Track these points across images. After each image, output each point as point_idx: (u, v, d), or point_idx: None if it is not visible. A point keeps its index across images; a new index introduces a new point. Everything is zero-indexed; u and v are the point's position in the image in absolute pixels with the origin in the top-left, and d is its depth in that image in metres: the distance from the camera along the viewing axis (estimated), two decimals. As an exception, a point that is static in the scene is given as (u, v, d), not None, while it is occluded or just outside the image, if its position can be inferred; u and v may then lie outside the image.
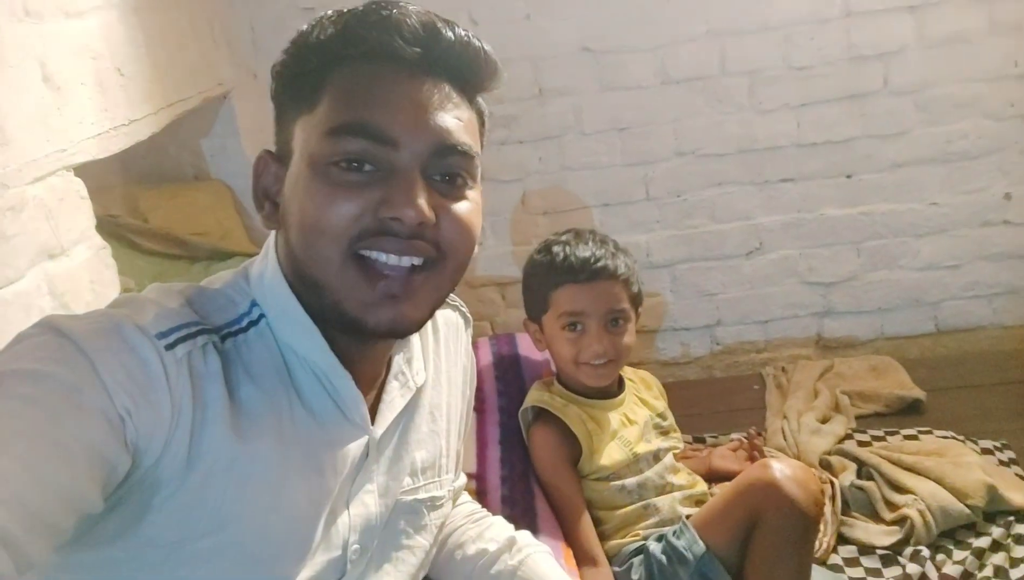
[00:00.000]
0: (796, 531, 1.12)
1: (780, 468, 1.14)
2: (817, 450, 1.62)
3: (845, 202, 2.08)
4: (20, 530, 0.47)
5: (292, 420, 0.68)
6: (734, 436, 1.75)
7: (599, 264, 1.29)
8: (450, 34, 0.65)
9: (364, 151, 0.63)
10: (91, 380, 0.54)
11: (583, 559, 1.24)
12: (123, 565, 0.62)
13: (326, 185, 0.63)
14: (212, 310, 0.67)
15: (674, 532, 1.23)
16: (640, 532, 1.30)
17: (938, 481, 1.44)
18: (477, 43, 0.67)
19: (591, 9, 1.92)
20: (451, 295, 0.87)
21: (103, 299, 1.21)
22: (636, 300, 1.37)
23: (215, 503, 0.62)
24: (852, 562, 1.38)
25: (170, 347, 0.60)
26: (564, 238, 1.35)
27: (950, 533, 1.40)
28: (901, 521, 1.41)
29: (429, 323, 0.85)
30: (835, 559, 1.39)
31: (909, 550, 1.37)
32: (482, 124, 0.72)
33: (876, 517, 1.46)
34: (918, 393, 1.85)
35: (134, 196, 1.71)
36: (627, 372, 1.48)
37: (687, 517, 1.26)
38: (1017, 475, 1.54)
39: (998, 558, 1.32)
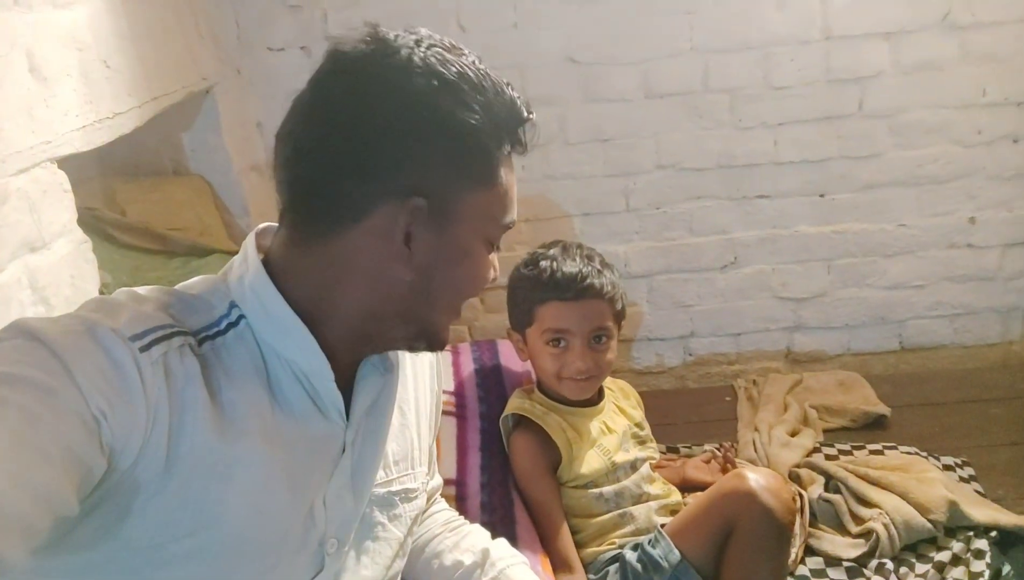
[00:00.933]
0: (771, 539, 1.15)
1: (755, 478, 1.17)
2: (787, 463, 1.66)
3: (818, 220, 2.13)
4: None
5: (273, 420, 0.68)
6: (707, 447, 1.78)
7: (586, 282, 1.30)
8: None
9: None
10: (65, 382, 0.54)
11: (559, 566, 1.25)
12: (101, 568, 0.62)
13: (486, 258, 0.75)
14: (188, 313, 0.67)
15: (649, 541, 1.25)
16: (616, 540, 1.32)
17: (902, 496, 1.49)
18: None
19: (578, 21, 1.94)
20: None
21: (83, 294, 1.19)
22: (619, 317, 1.38)
23: (196, 505, 0.62)
24: (819, 573, 1.42)
25: (145, 349, 0.60)
26: (551, 253, 1.35)
27: (913, 547, 1.44)
28: (867, 534, 1.45)
29: None
30: (803, 570, 1.43)
31: (874, 563, 1.40)
32: None
33: (843, 530, 1.50)
34: (883, 409, 1.90)
35: (111, 189, 1.68)
36: (607, 382, 1.50)
37: (662, 526, 1.29)
38: (976, 491, 1.59)
39: (958, 571, 1.37)
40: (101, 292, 1.27)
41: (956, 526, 1.46)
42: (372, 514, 0.81)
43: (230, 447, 0.64)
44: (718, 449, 1.68)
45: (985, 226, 2.12)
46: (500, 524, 1.19)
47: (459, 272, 0.72)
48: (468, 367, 1.45)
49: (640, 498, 1.37)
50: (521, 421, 1.37)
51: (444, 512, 1.04)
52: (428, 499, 0.99)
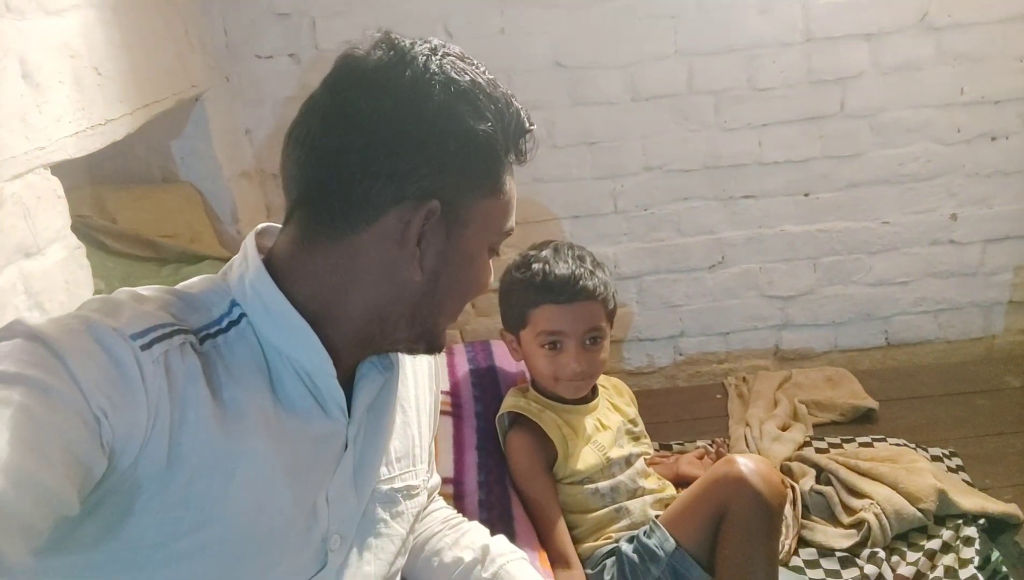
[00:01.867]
0: (763, 522, 1.16)
1: (745, 463, 1.18)
2: (778, 456, 1.68)
3: (803, 219, 2.16)
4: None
5: (275, 417, 0.69)
6: (699, 444, 1.80)
7: (579, 285, 1.30)
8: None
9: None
10: (65, 381, 0.54)
11: (557, 562, 1.26)
12: (104, 567, 0.62)
13: (487, 264, 0.77)
14: (189, 312, 0.68)
15: (645, 532, 1.26)
16: (612, 535, 1.33)
17: (892, 486, 1.51)
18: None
19: (564, 26, 1.96)
20: None
21: (77, 299, 1.20)
22: (612, 316, 1.40)
23: (198, 503, 0.62)
24: (812, 564, 1.44)
25: (146, 347, 0.60)
26: (543, 254, 1.35)
27: (903, 536, 1.47)
28: (858, 524, 1.47)
29: None
30: (796, 561, 1.44)
31: (866, 552, 1.43)
32: None
33: (835, 521, 1.52)
34: (871, 403, 1.93)
35: (102, 197, 1.68)
36: (600, 379, 1.51)
37: (656, 517, 1.30)
38: (964, 481, 1.62)
39: (948, 559, 1.39)
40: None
41: (945, 515, 1.49)
42: (375, 511, 0.81)
43: (232, 444, 0.64)
44: (710, 445, 1.70)
45: (966, 223, 2.16)
46: (498, 521, 1.20)
47: (464, 276, 0.75)
48: (463, 367, 1.46)
49: (635, 492, 1.38)
50: (517, 419, 1.38)
51: (443, 510, 1.04)
52: (428, 498, 1.00)
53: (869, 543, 1.44)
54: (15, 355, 0.54)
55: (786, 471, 1.65)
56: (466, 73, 0.70)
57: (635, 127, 2.05)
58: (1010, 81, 2.02)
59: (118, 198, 1.69)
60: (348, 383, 0.77)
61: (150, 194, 1.77)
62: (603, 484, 1.36)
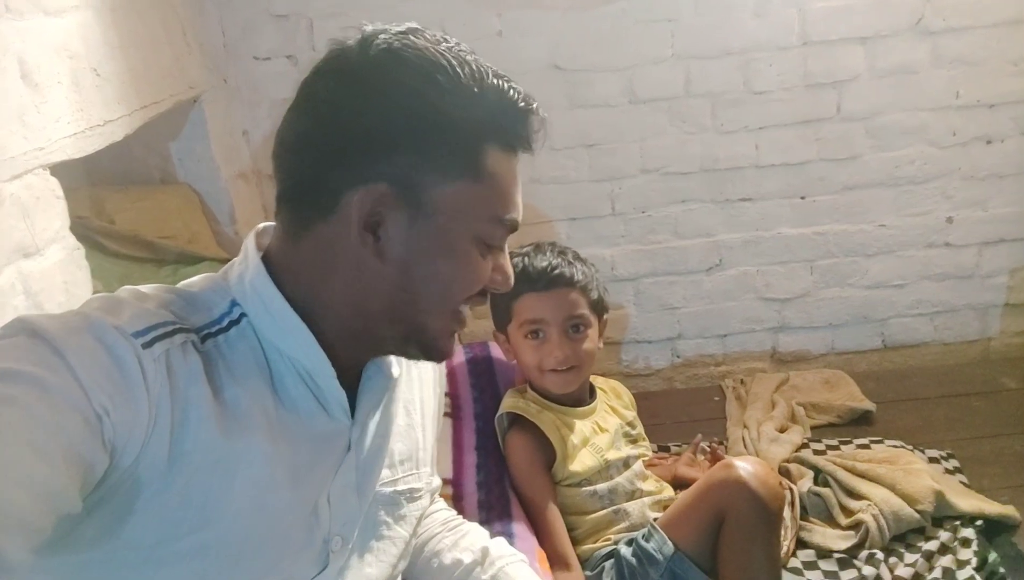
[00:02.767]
0: (763, 525, 1.16)
1: (743, 466, 1.18)
2: (776, 458, 1.69)
3: (800, 222, 2.17)
4: (1, 530, 0.47)
5: (276, 417, 0.69)
6: (698, 438, 1.80)
7: (555, 272, 1.33)
8: (540, 116, 0.74)
9: (503, 235, 0.73)
10: (67, 379, 0.54)
11: (556, 563, 1.26)
12: (103, 566, 0.61)
13: (472, 256, 0.71)
14: (190, 311, 0.67)
15: (643, 535, 1.26)
16: (611, 537, 1.33)
17: (890, 488, 1.51)
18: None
19: (561, 29, 1.97)
20: None
21: (76, 300, 1.19)
22: (597, 307, 1.40)
23: (199, 502, 0.62)
24: (811, 565, 1.44)
25: (147, 346, 0.60)
26: (524, 250, 1.39)
27: (901, 537, 1.47)
28: (856, 526, 1.47)
29: None
30: (794, 562, 1.45)
31: (864, 553, 1.43)
32: None
33: (833, 522, 1.52)
34: (868, 405, 1.94)
35: (100, 198, 1.68)
36: (598, 382, 1.52)
37: (654, 520, 1.30)
38: (962, 482, 1.62)
39: (946, 560, 1.39)
40: (93, 299, 1.27)
41: (943, 516, 1.49)
42: (377, 513, 0.81)
43: (233, 443, 0.64)
44: (708, 446, 1.69)
45: (962, 225, 2.17)
46: (497, 523, 1.20)
47: (442, 269, 0.69)
48: (462, 368, 1.46)
49: (633, 494, 1.38)
50: (516, 420, 1.38)
51: (443, 512, 1.04)
52: (430, 501, 0.99)
53: (867, 544, 1.44)
54: (17, 353, 0.54)
55: (784, 473, 1.66)
56: (430, 53, 0.66)
57: (632, 130, 2.06)
58: (1005, 85, 2.03)
59: (116, 199, 1.69)
60: (354, 384, 0.77)
61: (148, 195, 1.77)
62: (601, 486, 1.36)
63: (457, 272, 0.70)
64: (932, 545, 1.43)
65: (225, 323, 0.68)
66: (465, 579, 0.94)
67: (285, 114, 0.72)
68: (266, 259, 0.72)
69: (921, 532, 1.47)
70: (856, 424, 1.91)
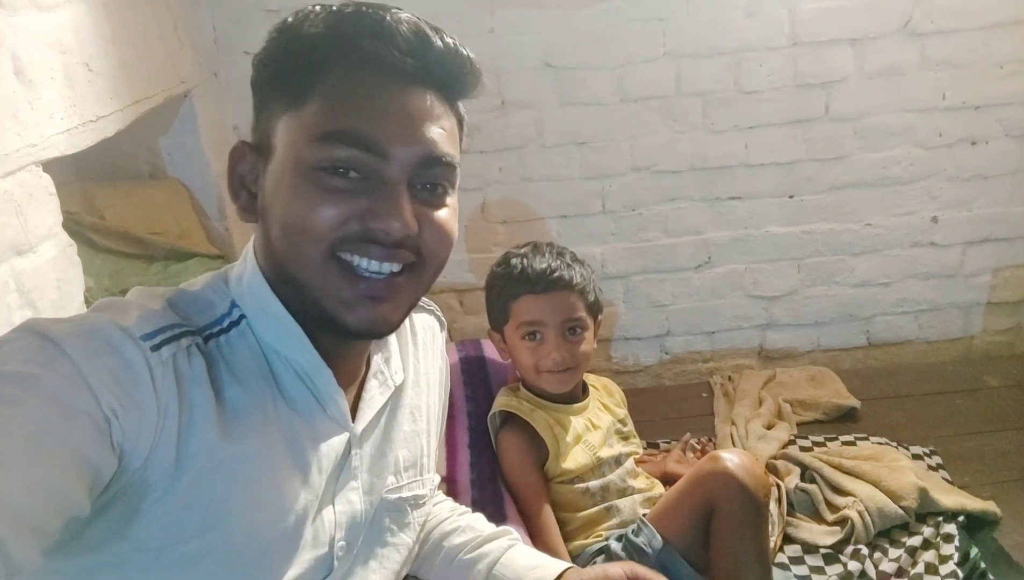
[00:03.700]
0: (751, 515, 1.18)
1: (729, 457, 1.20)
2: (764, 455, 1.71)
3: (788, 221, 2.19)
4: (7, 532, 0.47)
5: (277, 418, 0.69)
6: (687, 436, 1.82)
7: (554, 275, 1.33)
8: (440, 43, 0.65)
9: (354, 159, 0.63)
10: (76, 382, 0.54)
11: (548, 559, 1.27)
12: (111, 570, 0.62)
13: (313, 188, 0.63)
14: (193, 311, 0.68)
15: (633, 530, 1.28)
16: (602, 533, 1.34)
17: (875, 484, 1.54)
18: (464, 52, 0.68)
19: (554, 27, 1.97)
20: (426, 299, 0.90)
21: (69, 297, 1.19)
22: (593, 309, 1.41)
23: (204, 504, 0.62)
24: (797, 560, 1.46)
25: (155, 349, 0.60)
26: (522, 251, 1.39)
27: (886, 533, 1.50)
28: (842, 522, 1.50)
29: (407, 326, 0.89)
30: (781, 557, 1.47)
31: (850, 549, 1.45)
32: (461, 130, 0.73)
33: (819, 518, 1.55)
34: (853, 402, 1.97)
35: (90, 193, 1.67)
36: (590, 379, 1.53)
37: (644, 515, 1.32)
38: (944, 479, 1.65)
39: (929, 555, 1.42)
40: (84, 296, 1.26)
41: (926, 512, 1.52)
42: (383, 520, 0.81)
43: (234, 444, 0.64)
44: (697, 443, 1.71)
45: (946, 225, 2.20)
46: (490, 520, 1.20)
47: (285, 207, 0.65)
48: (455, 367, 1.46)
49: (625, 491, 1.40)
50: (509, 418, 1.39)
51: (448, 502, 1.05)
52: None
53: (852, 540, 1.46)
54: (26, 355, 0.54)
55: (771, 469, 1.68)
56: (307, 8, 0.67)
57: (624, 128, 2.07)
58: (991, 87, 2.06)
59: (106, 195, 1.68)
60: (359, 388, 0.78)
61: (138, 190, 1.76)
62: (593, 483, 1.37)
63: (293, 208, 0.64)
64: (916, 540, 1.45)
65: (226, 324, 0.69)
66: (486, 543, 0.95)
67: None
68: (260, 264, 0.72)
69: (905, 528, 1.50)
70: (841, 421, 1.94)
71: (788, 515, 1.55)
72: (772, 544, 1.47)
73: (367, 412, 0.77)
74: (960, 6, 1.98)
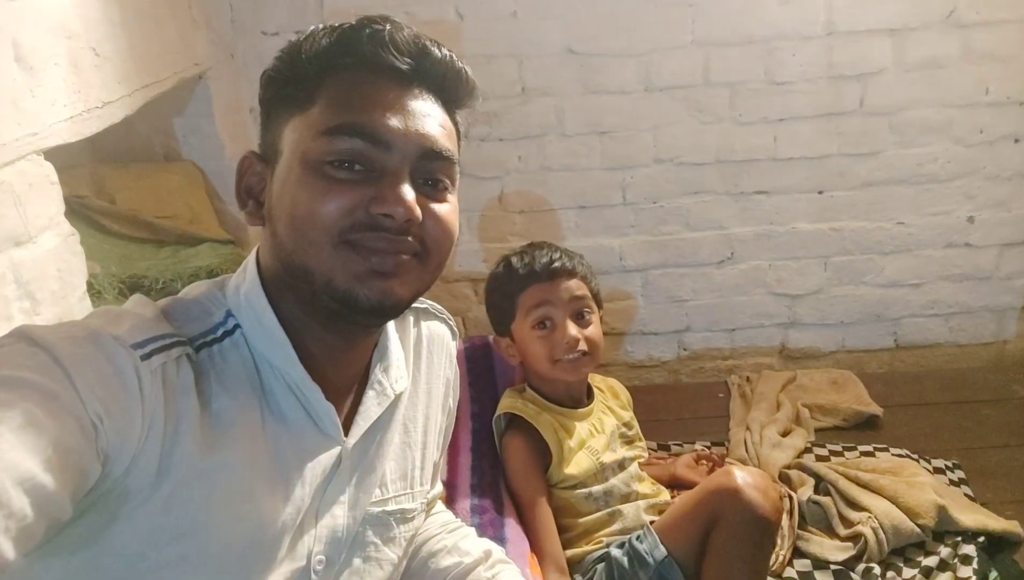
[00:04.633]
0: (753, 535, 1.15)
1: (742, 475, 1.17)
2: (778, 464, 1.66)
3: (816, 217, 2.11)
4: None
5: (264, 430, 0.68)
6: (698, 445, 1.79)
7: (557, 263, 1.36)
8: (437, 52, 0.70)
9: (358, 151, 0.66)
10: (65, 386, 0.54)
11: (548, 567, 1.25)
12: (85, 575, 0.61)
13: (320, 180, 0.65)
14: (187, 320, 0.68)
15: (637, 536, 1.26)
16: (604, 539, 1.32)
17: (892, 500, 1.49)
18: (459, 64, 0.72)
19: (578, 11, 1.91)
20: (439, 307, 0.92)
21: (70, 288, 1.18)
22: (597, 296, 1.42)
23: (181, 512, 0.62)
24: (806, 576, 1.42)
25: (146, 358, 0.60)
26: (520, 250, 1.42)
27: (900, 551, 1.44)
28: (855, 538, 1.45)
29: (412, 334, 0.87)
30: (790, 572, 1.43)
31: (861, 566, 1.41)
32: (459, 137, 0.76)
33: (831, 532, 1.50)
34: (875, 409, 1.91)
35: (101, 176, 1.66)
36: (596, 381, 1.50)
37: (651, 522, 1.29)
38: (966, 495, 1.60)
39: (944, 577, 1.37)
40: (89, 284, 1.26)
41: (944, 531, 1.46)
42: (365, 534, 0.80)
43: (216, 454, 0.63)
44: (710, 451, 1.68)
45: (983, 226, 2.11)
46: (490, 526, 1.19)
47: (291, 201, 0.67)
48: (461, 366, 1.44)
49: (628, 497, 1.37)
50: (513, 421, 1.37)
51: (442, 514, 1.03)
52: (429, 506, 0.98)
53: (865, 557, 1.42)
54: (17, 359, 0.55)
55: (784, 479, 1.63)
56: (318, 25, 0.70)
57: (647, 118, 2.01)
58: (1038, 82, 1.95)
59: (118, 177, 1.67)
60: (354, 399, 0.77)
61: (150, 173, 1.75)
62: (596, 488, 1.34)
63: (300, 202, 0.66)
64: (931, 561, 1.40)
65: (220, 333, 0.69)
66: (466, 575, 0.92)
67: None
68: (261, 273, 0.72)
69: (921, 547, 1.45)
70: (862, 428, 1.88)
71: (799, 528, 1.51)
72: (782, 558, 1.43)
73: (361, 425, 0.76)
74: (1008, -4, 1.88)
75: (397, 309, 0.70)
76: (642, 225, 2.12)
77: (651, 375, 2.27)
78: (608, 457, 1.38)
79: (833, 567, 1.43)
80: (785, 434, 1.79)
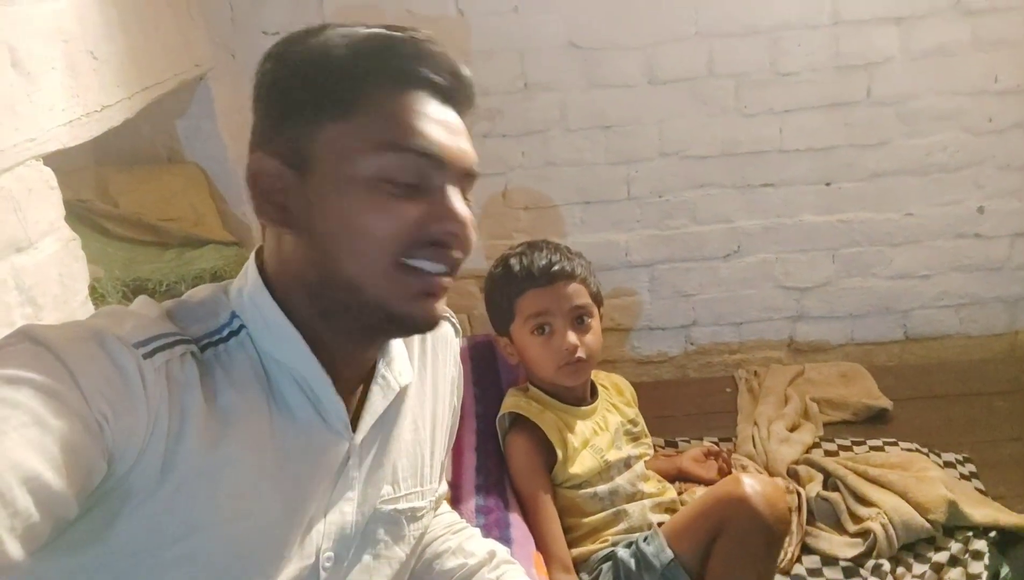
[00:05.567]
0: (759, 545, 1.14)
1: (751, 483, 1.16)
2: (786, 459, 1.65)
3: (824, 209, 2.09)
4: (3, 531, 0.47)
5: (272, 427, 0.68)
6: (706, 441, 1.77)
7: (556, 267, 1.34)
8: (464, 70, 0.71)
9: (413, 167, 0.66)
10: (69, 386, 0.54)
11: (553, 566, 1.25)
12: (90, 573, 0.62)
13: (378, 197, 0.65)
14: (191, 321, 0.68)
15: (644, 538, 1.25)
16: (609, 538, 1.32)
17: (902, 495, 1.47)
18: (471, 80, 0.72)
19: (580, 4, 1.89)
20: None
21: (72, 293, 1.18)
22: (597, 298, 1.40)
23: (185, 510, 0.62)
24: (815, 572, 1.41)
25: (148, 356, 0.60)
26: (519, 250, 1.39)
27: (910, 547, 1.43)
28: (864, 533, 1.44)
29: None
30: (799, 569, 1.42)
31: (871, 563, 1.39)
32: None
33: (840, 528, 1.49)
34: (885, 402, 1.89)
35: (104, 179, 1.66)
36: (600, 378, 1.49)
37: (659, 524, 1.28)
38: (977, 489, 1.58)
39: (955, 573, 1.36)
40: (93, 288, 1.26)
41: (955, 526, 1.44)
42: (375, 531, 0.80)
43: (221, 451, 0.64)
44: (718, 448, 1.67)
45: (994, 216, 2.08)
46: (495, 527, 1.18)
47: (344, 219, 0.65)
48: (465, 366, 1.43)
49: (634, 496, 1.36)
50: (517, 420, 1.36)
51: (447, 515, 1.03)
52: (435, 506, 0.97)
53: (874, 554, 1.40)
54: (21, 359, 0.55)
55: (793, 475, 1.62)
56: (343, 26, 0.68)
57: (651, 111, 1.99)
58: (1048, 69, 1.92)
59: (121, 180, 1.67)
60: (361, 398, 0.77)
61: (154, 176, 1.75)
62: (601, 488, 1.34)
63: (356, 219, 0.65)
64: (942, 556, 1.39)
65: (225, 333, 0.69)
66: (471, 577, 0.93)
67: None
68: (264, 273, 0.73)
69: (931, 542, 1.43)
70: (871, 422, 1.86)
71: (808, 524, 1.49)
72: (790, 555, 1.42)
73: (368, 420, 0.76)
74: (1018, -18, 1.85)
75: (436, 326, 0.73)
76: (648, 219, 2.10)
77: (658, 371, 2.25)
78: (613, 455, 1.37)
79: (842, 563, 1.41)
80: (793, 429, 1.78)
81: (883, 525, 1.42)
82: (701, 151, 2.03)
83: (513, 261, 1.37)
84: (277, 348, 0.69)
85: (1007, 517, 1.46)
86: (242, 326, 0.70)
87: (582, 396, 1.41)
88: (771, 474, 1.62)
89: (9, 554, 0.47)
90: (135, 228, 1.59)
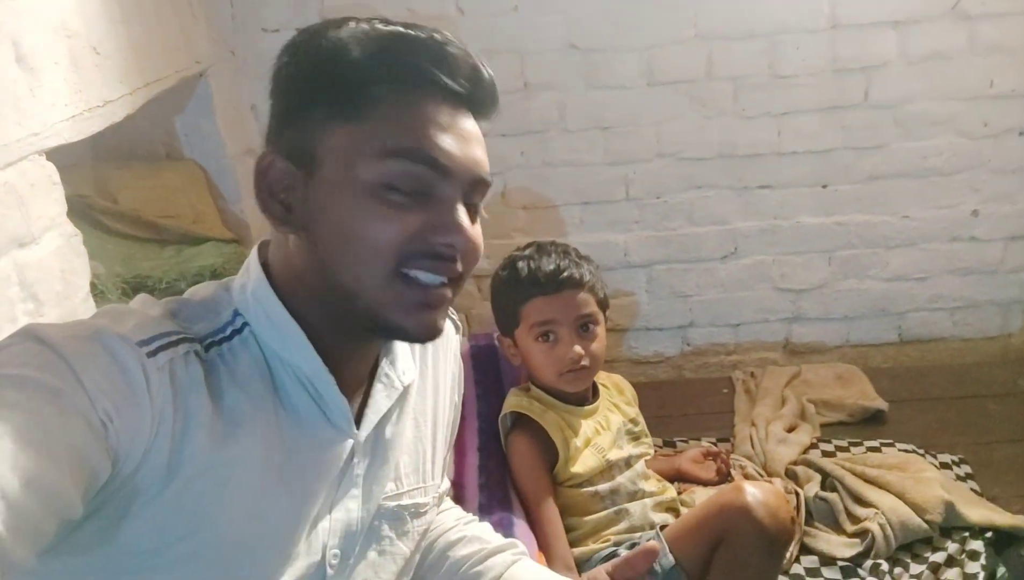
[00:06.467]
0: (760, 554, 1.14)
1: (753, 493, 1.16)
2: (784, 459, 1.66)
3: (820, 211, 2.10)
4: (6, 531, 0.47)
5: (277, 426, 0.68)
6: (704, 442, 1.78)
7: (564, 274, 1.31)
8: (486, 74, 0.69)
9: (418, 176, 0.65)
10: (73, 385, 0.54)
11: (555, 565, 1.25)
12: (98, 573, 0.61)
13: (377, 203, 0.64)
14: (195, 320, 0.68)
15: (648, 540, 1.25)
16: (611, 537, 1.32)
17: (899, 496, 1.48)
18: (493, 81, 0.70)
19: (580, 6, 1.90)
20: None
21: (74, 288, 1.17)
22: (603, 304, 1.39)
23: (192, 508, 0.62)
24: (813, 572, 1.42)
25: (151, 355, 0.60)
26: (527, 253, 1.37)
27: (908, 547, 1.44)
28: (862, 534, 1.45)
29: None
30: (797, 569, 1.42)
31: (869, 563, 1.40)
32: None
33: (838, 528, 1.50)
34: (881, 404, 1.90)
35: (104, 175, 1.65)
36: (601, 377, 1.49)
37: (662, 528, 1.28)
38: (973, 490, 1.59)
39: (952, 573, 1.37)
40: (92, 284, 1.25)
41: (952, 526, 1.45)
42: (380, 528, 0.80)
43: (228, 450, 0.63)
44: (714, 444, 1.67)
45: (988, 219, 2.10)
46: (498, 526, 1.17)
47: (341, 224, 0.65)
48: (466, 364, 1.43)
49: (635, 495, 1.37)
50: (519, 419, 1.36)
51: (455, 510, 1.03)
52: (438, 505, 0.97)
53: (872, 553, 1.41)
54: (24, 358, 0.54)
55: (791, 475, 1.63)
56: (357, 22, 0.66)
57: (650, 112, 2.00)
58: (1043, 75, 1.94)
59: (120, 177, 1.66)
60: (363, 395, 0.76)
61: (153, 173, 1.74)
62: (603, 486, 1.34)
63: (355, 224, 0.64)
64: (939, 556, 1.40)
65: (228, 332, 0.69)
66: (491, 556, 0.92)
67: None
68: (267, 269, 0.72)
69: (928, 543, 1.44)
70: (867, 423, 1.87)
71: (806, 524, 1.50)
72: (788, 556, 1.42)
73: (372, 418, 0.76)
74: (1015, -13, 1.86)
75: (437, 337, 0.71)
76: (646, 220, 2.11)
77: (655, 371, 2.26)
78: (614, 454, 1.37)
79: (840, 563, 1.42)
80: (790, 430, 1.79)
81: (881, 525, 1.43)
82: (699, 153, 2.04)
83: (520, 265, 1.34)
84: (280, 345, 0.69)
85: (1003, 517, 1.47)
86: (245, 324, 0.69)
87: (584, 396, 1.41)
88: (769, 474, 1.63)
89: (14, 555, 0.47)
90: (134, 225, 1.58)
